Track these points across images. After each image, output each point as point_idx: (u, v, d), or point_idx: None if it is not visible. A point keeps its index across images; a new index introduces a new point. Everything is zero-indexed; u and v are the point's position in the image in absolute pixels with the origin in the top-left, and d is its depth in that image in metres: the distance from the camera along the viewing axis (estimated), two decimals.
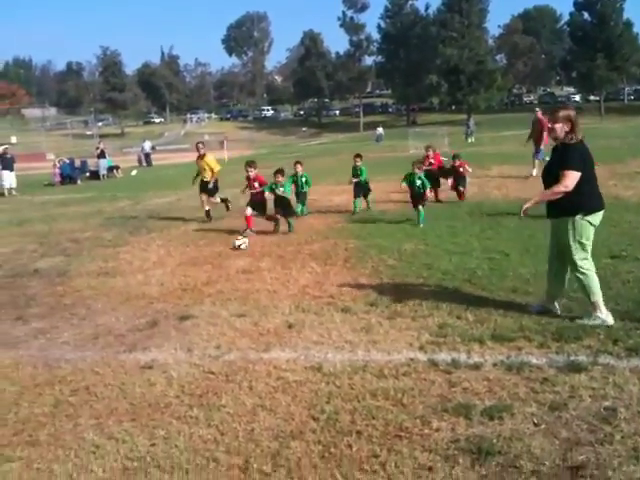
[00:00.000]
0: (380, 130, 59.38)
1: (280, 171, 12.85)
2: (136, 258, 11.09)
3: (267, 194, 12.49)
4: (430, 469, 3.87)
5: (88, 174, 32.12)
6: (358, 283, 8.17)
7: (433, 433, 4.29)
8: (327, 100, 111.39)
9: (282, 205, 12.63)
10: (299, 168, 14.49)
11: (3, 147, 27.91)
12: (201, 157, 15.15)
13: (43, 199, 22.69)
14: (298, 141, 64.74)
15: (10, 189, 25.26)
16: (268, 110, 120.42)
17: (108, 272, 10.20)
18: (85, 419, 5.02)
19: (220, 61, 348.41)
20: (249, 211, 12.39)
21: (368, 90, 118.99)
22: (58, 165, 30.43)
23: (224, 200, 15.52)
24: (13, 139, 39.00)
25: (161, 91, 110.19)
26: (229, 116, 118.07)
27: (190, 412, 4.99)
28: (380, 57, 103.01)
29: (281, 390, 5.24)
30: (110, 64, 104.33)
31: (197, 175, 15.22)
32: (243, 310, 7.50)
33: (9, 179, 25.41)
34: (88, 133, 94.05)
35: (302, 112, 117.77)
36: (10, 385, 5.79)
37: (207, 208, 15.03)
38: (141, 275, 9.77)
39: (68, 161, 31.19)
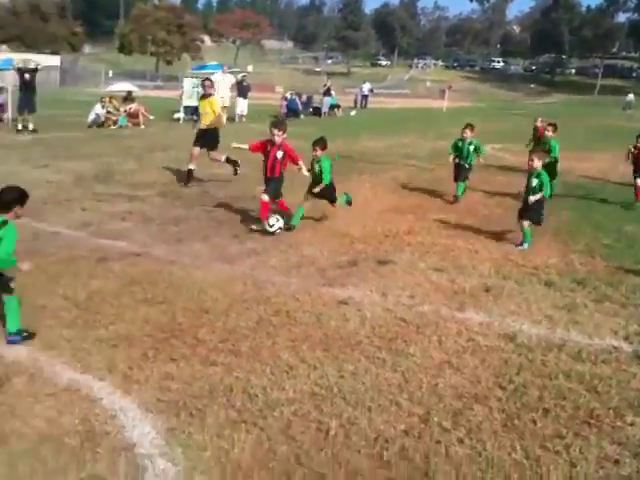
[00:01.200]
0: (631, 97, 53.93)
1: (320, 142, 9.57)
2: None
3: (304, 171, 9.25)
4: (616, 462, 3.68)
5: (311, 110, 33.48)
6: (567, 258, 7.72)
7: (626, 427, 4.04)
8: (564, 57, 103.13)
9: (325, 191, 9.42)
10: (468, 134, 11.36)
11: (242, 75, 29.96)
12: (205, 97, 12.73)
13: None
14: (524, 98, 61.23)
15: (241, 116, 27.20)
16: (498, 62, 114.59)
17: (317, 207, 10.67)
18: (282, 340, 5.43)
19: (459, 6, 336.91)
20: (265, 197, 8.95)
21: (613, 50, 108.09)
22: (288, 98, 32.10)
23: (232, 162, 12.38)
24: (250, 68, 41.58)
25: (394, 33, 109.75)
26: (455, 65, 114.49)
27: (379, 354, 5.17)
28: (636, 14, 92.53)
29: (470, 352, 5.21)
30: (351, 1, 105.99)
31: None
32: (441, 265, 7.48)
33: (242, 106, 27.32)
34: (317, 69, 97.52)
35: (534, 67, 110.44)
36: (223, 296, 6.41)
37: (192, 167, 12.43)
38: (348, 214, 10.11)
39: (295, 96, 32.70)
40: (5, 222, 5.16)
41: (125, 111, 24.10)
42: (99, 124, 22.64)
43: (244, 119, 27.19)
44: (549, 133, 11.79)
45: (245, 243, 8.33)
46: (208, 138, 12.44)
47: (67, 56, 66.40)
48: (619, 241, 8.61)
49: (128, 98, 25.05)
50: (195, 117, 27.03)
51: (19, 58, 24.64)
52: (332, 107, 33.95)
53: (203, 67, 35.36)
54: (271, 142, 9.04)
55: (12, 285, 5.30)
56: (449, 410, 4.32)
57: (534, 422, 4.13)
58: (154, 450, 3.83)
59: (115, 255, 7.57)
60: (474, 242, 8.52)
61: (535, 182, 8.29)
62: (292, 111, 31.47)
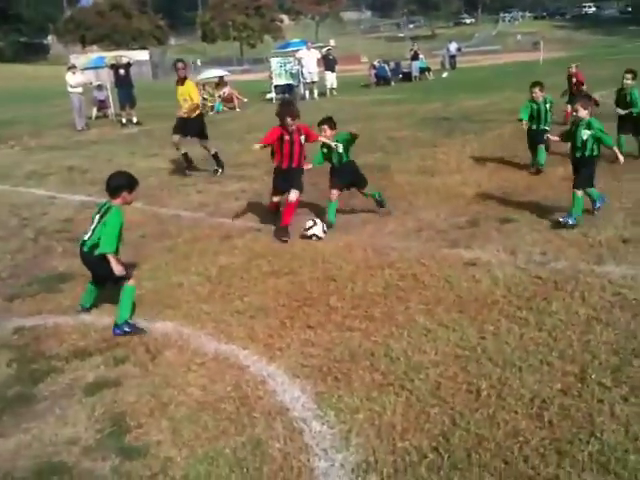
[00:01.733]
0: None
1: (327, 121, 7.79)
2: (452, 159, 11.15)
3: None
4: None
5: (401, 76, 32.85)
6: None
7: None
8: None
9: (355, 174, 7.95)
10: (538, 94, 9.72)
11: (326, 49, 29.83)
12: (181, 81, 11.41)
13: (361, 99, 23.92)
14: (624, 42, 57.28)
15: (331, 89, 27.10)
16: (589, 7, 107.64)
17: (426, 170, 10.46)
18: (414, 303, 5.34)
19: None
20: (295, 195, 7.43)
21: None
22: (376, 66, 31.67)
23: (217, 161, 11.47)
24: (332, 42, 41.40)
25: None
26: (544, 14, 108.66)
27: (519, 313, 4.97)
28: None
29: (619, 306, 4.90)
30: None
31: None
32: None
33: (331, 79, 27.20)
34: (400, 35, 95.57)
35: (630, 9, 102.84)
36: (346, 264, 6.39)
37: (183, 151, 11.69)
38: (458, 175, 9.83)
39: (384, 63, 32.18)
40: (109, 208, 5.25)
41: (219, 96, 24.59)
42: None
43: (335, 92, 27.08)
44: (628, 82, 9.73)
45: (359, 214, 8.26)
46: (192, 126, 11.42)
47: (155, 50, 68.65)
48: None
49: (220, 83, 25.52)
50: (287, 95, 27.42)
51: (110, 55, 25.68)
52: (422, 71, 33.11)
53: (287, 45, 35.41)
54: (286, 130, 7.35)
55: (126, 274, 5.21)
56: (606, 367, 4.08)
57: None
58: (307, 413, 3.87)
59: (236, 232, 7.73)
60: (603, 192, 8.01)
61: (587, 134, 6.91)
62: (382, 78, 31.03)
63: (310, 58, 26.07)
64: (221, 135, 16.60)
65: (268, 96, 27.03)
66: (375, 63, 32.37)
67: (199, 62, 61.85)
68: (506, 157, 10.87)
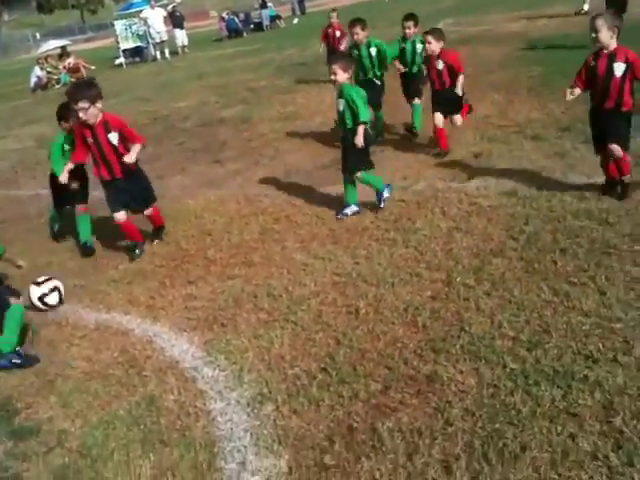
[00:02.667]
0: None
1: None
2: (312, 102, 11.27)
3: None
4: None
5: (252, 26, 32.36)
6: (547, 110, 7.71)
7: None
8: None
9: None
10: (411, 29, 7.76)
11: (172, 6, 28.73)
12: None
13: (215, 54, 23.41)
14: None
15: (183, 47, 26.30)
16: None
17: (288, 117, 10.53)
18: (291, 243, 5.46)
19: None
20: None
21: None
22: (225, 18, 30.95)
23: None
24: None
25: None
26: None
27: (387, 235, 5.23)
28: None
29: (476, 214, 5.28)
30: None
31: None
32: (426, 144, 7.45)
33: (181, 37, 26.39)
34: None
35: None
36: (219, 217, 6.39)
37: None
38: (319, 117, 9.96)
39: (233, 15, 31.51)
40: None
41: (64, 67, 23.19)
42: (42, 86, 21.85)
43: (187, 49, 26.35)
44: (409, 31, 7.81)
45: (226, 165, 8.24)
46: None
47: None
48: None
49: (64, 54, 24.08)
50: (137, 59, 26.28)
51: None
52: (273, 19, 32.81)
53: (130, 6, 33.44)
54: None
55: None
56: (469, 269, 4.41)
57: (554, 262, 4.23)
58: (198, 362, 3.92)
59: (100, 203, 7.44)
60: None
61: (342, 103, 5.69)
62: (233, 30, 30.46)
63: (156, 17, 25.05)
64: None
65: (117, 62, 25.85)
66: (224, 15, 31.64)
67: (38, 35, 57.57)
68: None
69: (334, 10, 12.44)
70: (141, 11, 26.43)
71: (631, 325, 3.41)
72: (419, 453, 2.81)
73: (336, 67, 5.64)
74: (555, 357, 3.26)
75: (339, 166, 7.18)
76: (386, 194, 5.76)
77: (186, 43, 26.63)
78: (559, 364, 3.20)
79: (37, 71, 22.07)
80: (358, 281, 4.56)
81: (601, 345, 3.28)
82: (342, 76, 5.65)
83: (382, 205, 5.74)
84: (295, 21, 34.94)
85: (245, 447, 3.12)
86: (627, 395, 2.90)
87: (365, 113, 5.57)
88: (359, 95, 5.64)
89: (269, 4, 33.09)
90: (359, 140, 5.54)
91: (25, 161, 10.59)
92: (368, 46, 7.68)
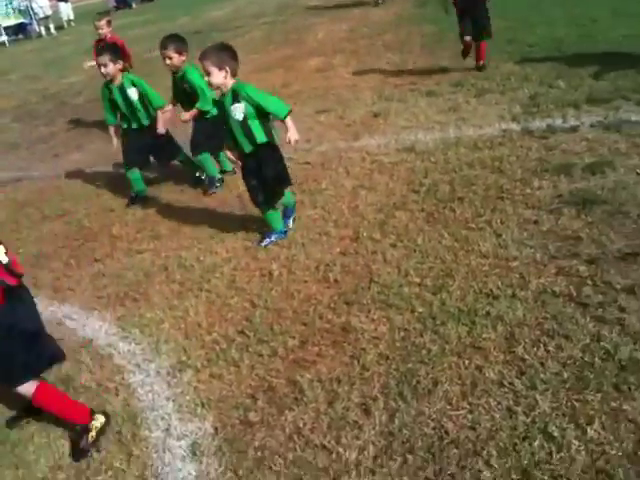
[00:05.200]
0: None
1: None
2: None
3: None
4: (535, 222, 4.03)
5: None
6: (440, 67, 7.94)
7: (535, 192, 4.40)
8: None
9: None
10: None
11: None
12: None
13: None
14: None
15: (69, 21, 25.02)
16: None
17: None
18: (197, 212, 5.41)
19: None
20: None
21: None
22: None
23: None
24: None
25: None
26: None
27: (295, 198, 5.28)
28: None
29: (378, 171, 5.41)
30: None
31: None
32: (325, 106, 7.52)
33: (66, 11, 25.08)
34: None
35: None
36: (121, 193, 6.21)
37: None
38: None
39: None
40: None
41: None
42: None
43: (72, 23, 25.08)
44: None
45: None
46: None
47: None
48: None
49: None
50: (21, 36, 24.74)
51: None
52: None
53: None
54: None
55: None
56: (374, 224, 4.54)
57: (453, 211, 4.43)
58: (112, 338, 3.86)
59: None
60: (349, 77, 8.57)
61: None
62: (122, 2, 29.20)
63: None
64: None
65: None
66: None
67: None
68: (260, 59, 11.03)
69: (102, 15, 8.73)
70: None
71: (526, 262, 3.64)
72: (339, 399, 2.92)
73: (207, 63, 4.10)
74: (459, 298, 3.45)
75: None
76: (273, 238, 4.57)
77: (72, 17, 25.36)
78: (463, 304, 3.38)
79: None
80: (269, 245, 4.60)
81: (500, 283, 3.49)
82: (217, 76, 4.12)
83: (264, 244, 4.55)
84: None
85: (168, 414, 3.13)
86: (526, 326, 3.11)
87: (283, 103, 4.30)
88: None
89: None
90: (296, 135, 4.33)
91: None
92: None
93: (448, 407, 2.74)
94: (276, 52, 11.34)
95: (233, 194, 5.59)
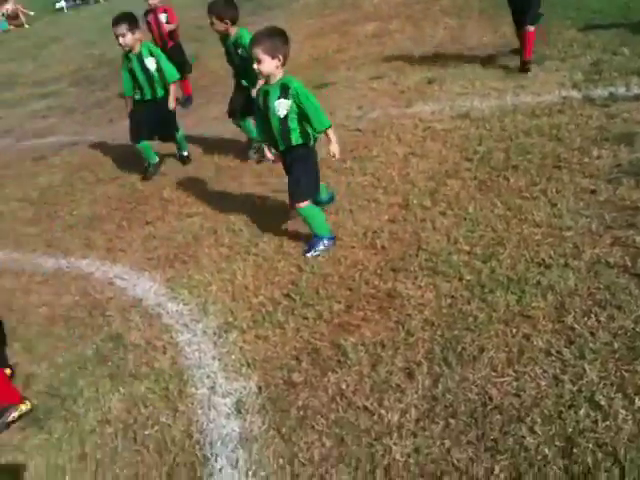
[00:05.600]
0: None
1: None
2: None
3: None
4: (593, 192, 3.87)
5: None
6: (499, 33, 7.65)
7: (594, 161, 4.22)
8: None
9: None
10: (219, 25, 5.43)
11: None
12: None
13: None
14: None
15: None
16: None
17: None
18: (248, 178, 5.45)
19: None
20: None
21: None
22: None
23: None
24: None
25: None
26: None
27: (345, 165, 5.22)
28: None
29: (430, 138, 5.29)
30: None
31: None
32: (379, 72, 7.38)
33: None
34: None
35: None
36: (173, 157, 6.28)
37: None
38: None
39: None
40: None
41: (3, 14, 22.10)
42: None
43: None
44: None
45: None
46: None
47: None
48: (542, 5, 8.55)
49: (1, 1, 22.85)
50: (79, 1, 25.10)
51: None
52: None
53: None
54: None
55: None
56: (425, 191, 4.45)
57: (507, 179, 4.30)
58: (161, 298, 3.93)
59: (50, 151, 7.28)
60: (405, 43, 8.38)
61: None
62: None
63: None
64: (13, 54, 15.16)
65: (58, 5, 24.62)
66: None
67: None
68: (314, 24, 10.90)
69: None
70: None
71: (581, 232, 3.51)
72: (382, 363, 2.91)
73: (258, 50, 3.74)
74: (509, 266, 3.36)
75: None
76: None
77: None
78: (513, 272, 3.30)
79: None
80: (317, 255, 4.56)
81: (552, 252, 3.38)
82: (270, 64, 3.78)
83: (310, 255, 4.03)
84: None
85: (214, 373, 3.18)
86: (578, 296, 3.01)
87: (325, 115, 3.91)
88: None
89: None
90: (336, 148, 3.97)
91: None
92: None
93: (493, 374, 2.68)
94: (331, 17, 11.16)
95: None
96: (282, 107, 3.83)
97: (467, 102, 5.81)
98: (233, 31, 5.29)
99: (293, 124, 3.86)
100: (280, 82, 3.84)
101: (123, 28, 5.53)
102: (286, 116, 3.84)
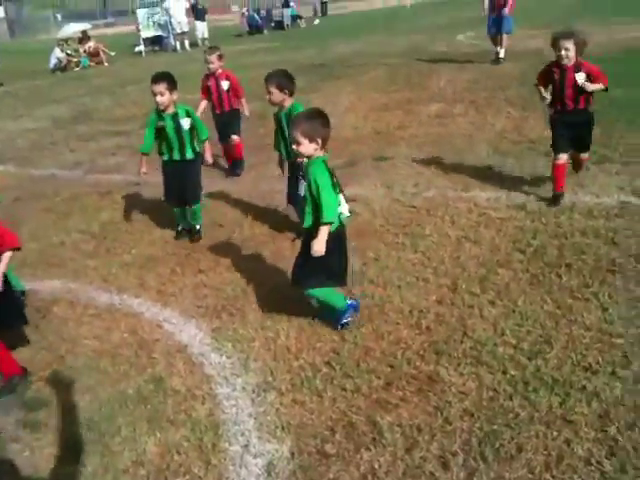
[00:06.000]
0: None
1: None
2: (328, 103, 11.35)
3: None
4: None
5: (273, 24, 32.58)
6: None
7: None
8: None
9: None
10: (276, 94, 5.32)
11: None
12: None
13: (234, 49, 23.51)
14: None
15: (203, 39, 26.46)
16: None
17: None
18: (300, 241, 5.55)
19: None
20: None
21: None
22: (246, 14, 31.19)
23: None
24: None
25: None
26: None
27: (396, 239, 5.33)
28: None
29: (484, 225, 5.37)
30: None
31: None
32: (438, 153, 7.55)
33: (202, 29, 26.56)
34: None
35: None
36: (232, 210, 6.48)
37: None
38: (335, 119, 9.89)
39: (254, 12, 31.76)
40: None
41: (85, 51, 23.41)
42: (62, 68, 22.05)
43: (207, 42, 26.45)
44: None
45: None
46: None
47: (10, 5, 63.17)
48: (609, 107, 8.67)
49: (84, 38, 24.28)
50: (157, 47, 26.45)
51: None
52: (294, 18, 33.03)
53: None
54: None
55: None
56: (475, 277, 4.51)
57: (559, 277, 4.33)
58: (205, 348, 4.02)
59: (116, 187, 7.59)
60: (467, 127, 8.58)
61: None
62: (254, 27, 30.64)
63: (178, 7, 25.29)
64: (92, 91, 15.96)
65: (137, 49, 26.03)
66: (244, 12, 31.87)
67: (59, 17, 57.66)
68: (380, 99, 11.23)
69: (213, 49, 7.71)
70: (164, 1, 26.65)
71: (631, 341, 3.50)
72: (418, 448, 2.91)
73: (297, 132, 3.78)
74: (555, 367, 3.36)
75: (354, 168, 7.32)
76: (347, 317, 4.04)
77: (206, 36, 26.78)
78: (558, 373, 3.29)
79: (57, 52, 22.26)
80: (365, 281, 4.66)
81: (600, 358, 3.37)
82: (308, 147, 3.82)
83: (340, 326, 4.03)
84: (316, 22, 35.21)
85: (249, 431, 3.22)
86: (623, 406, 2.99)
87: (330, 210, 3.73)
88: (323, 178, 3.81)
89: (291, 3, 33.34)
90: (318, 246, 3.74)
91: (42, 141, 10.72)
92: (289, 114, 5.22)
93: (530, 476, 2.67)
94: (397, 93, 11.50)
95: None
96: (302, 188, 4.03)
97: (524, 193, 5.90)
98: (288, 103, 5.31)
99: (308, 207, 3.87)
100: (312, 162, 3.90)
101: (162, 87, 5.50)
102: (304, 196, 3.96)
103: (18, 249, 3.99)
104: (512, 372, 3.36)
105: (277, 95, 5.23)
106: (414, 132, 8.71)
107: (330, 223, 3.75)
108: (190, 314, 4.48)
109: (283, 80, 5.24)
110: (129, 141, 9.94)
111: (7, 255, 3.87)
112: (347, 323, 4.04)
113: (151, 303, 4.68)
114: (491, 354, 3.57)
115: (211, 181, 7.49)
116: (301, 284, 4.03)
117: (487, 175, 6.62)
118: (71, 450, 3.27)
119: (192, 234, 5.89)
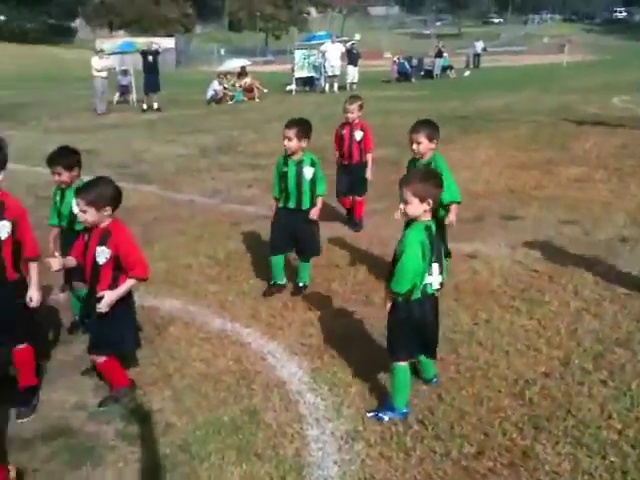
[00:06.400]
0: None
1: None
2: (465, 156, 11.30)
3: None
4: None
5: (422, 73, 33.00)
6: None
7: None
8: None
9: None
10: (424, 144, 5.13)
11: (350, 43, 29.94)
12: None
13: (380, 94, 24.07)
14: None
15: (352, 83, 27.29)
16: (621, 12, 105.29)
17: None
18: None
19: None
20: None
21: None
22: (397, 62, 31.86)
23: None
24: (357, 36, 41.26)
25: None
26: (573, 17, 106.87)
27: (512, 302, 5.17)
28: None
29: (609, 300, 5.09)
30: None
31: None
32: (573, 217, 7.27)
33: (352, 73, 27.42)
34: (426, 32, 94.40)
35: None
36: (350, 252, 6.60)
37: None
38: (469, 172, 9.96)
39: (405, 60, 32.36)
40: None
41: (240, 86, 24.93)
42: (217, 100, 23.57)
43: (354, 86, 27.26)
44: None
45: (368, 204, 8.47)
46: None
47: (180, 37, 68.96)
48: None
49: (242, 73, 25.86)
50: (307, 88, 27.65)
51: (141, 41, 26.09)
52: (444, 69, 33.24)
53: (312, 38, 35.72)
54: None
55: None
56: (590, 353, 4.27)
57: None
58: (303, 387, 4.10)
59: (246, 219, 7.98)
60: (606, 194, 8.18)
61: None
62: (403, 74, 31.17)
63: (334, 51, 26.30)
64: (240, 124, 16.93)
65: (288, 88, 27.29)
66: (395, 59, 32.54)
67: (222, 51, 62.10)
68: (518, 156, 11.00)
69: (354, 98, 7.51)
70: (322, 44, 27.89)
71: None
72: None
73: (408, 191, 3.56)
74: None
75: (480, 223, 7.20)
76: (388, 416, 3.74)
77: (356, 80, 27.58)
78: None
79: (215, 85, 23.88)
80: (473, 343, 4.55)
81: None
82: (417, 208, 3.57)
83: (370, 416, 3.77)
84: (466, 73, 35.20)
85: (332, 478, 3.24)
86: None
87: (400, 280, 3.58)
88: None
89: (445, 54, 33.63)
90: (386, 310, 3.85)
91: (187, 167, 11.52)
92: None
93: None
94: (537, 153, 11.22)
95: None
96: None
97: None
98: (430, 155, 5.12)
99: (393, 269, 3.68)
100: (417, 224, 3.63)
101: (292, 132, 5.38)
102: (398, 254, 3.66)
103: (144, 280, 4.04)
104: (612, 458, 3.15)
105: (426, 145, 5.05)
106: (550, 193, 8.45)
107: (396, 293, 3.62)
108: (294, 350, 4.59)
109: (434, 130, 5.10)
110: (265, 175, 10.40)
111: (130, 282, 3.90)
112: (381, 418, 3.73)
113: (259, 334, 4.85)
114: (593, 437, 3.36)
115: (330, 222, 7.68)
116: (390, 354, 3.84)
117: (621, 246, 6.27)
118: (161, 468, 3.43)
119: (297, 290, 5.69)
